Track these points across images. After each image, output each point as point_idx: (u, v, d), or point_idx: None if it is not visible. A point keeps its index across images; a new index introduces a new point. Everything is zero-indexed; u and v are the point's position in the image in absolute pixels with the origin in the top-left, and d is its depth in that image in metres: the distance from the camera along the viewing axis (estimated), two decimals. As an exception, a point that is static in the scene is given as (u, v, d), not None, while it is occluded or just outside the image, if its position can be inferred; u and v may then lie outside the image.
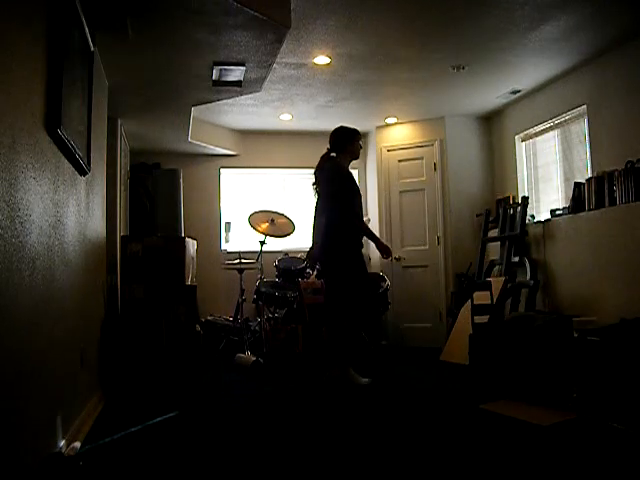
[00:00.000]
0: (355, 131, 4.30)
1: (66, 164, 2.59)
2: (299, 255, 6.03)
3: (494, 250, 5.79)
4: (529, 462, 2.34)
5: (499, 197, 6.08)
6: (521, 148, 5.84)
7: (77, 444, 2.58)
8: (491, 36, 4.15)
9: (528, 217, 5.40)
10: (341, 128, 4.33)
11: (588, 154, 4.80)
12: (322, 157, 4.31)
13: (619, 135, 4.43)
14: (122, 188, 5.14)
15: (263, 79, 4.23)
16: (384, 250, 4.20)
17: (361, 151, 4.37)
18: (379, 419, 3.16)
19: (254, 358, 4.79)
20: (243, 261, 5.47)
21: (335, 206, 4.12)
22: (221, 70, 3.95)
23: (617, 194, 4.28)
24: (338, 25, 3.92)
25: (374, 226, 6.66)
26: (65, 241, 2.56)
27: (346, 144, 4.24)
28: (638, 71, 4.26)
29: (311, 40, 4.15)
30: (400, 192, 6.50)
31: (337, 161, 4.23)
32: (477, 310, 4.82)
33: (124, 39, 3.27)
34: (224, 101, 4.91)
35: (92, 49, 3.04)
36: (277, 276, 5.91)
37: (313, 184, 4.32)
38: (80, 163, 2.78)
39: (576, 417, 2.84)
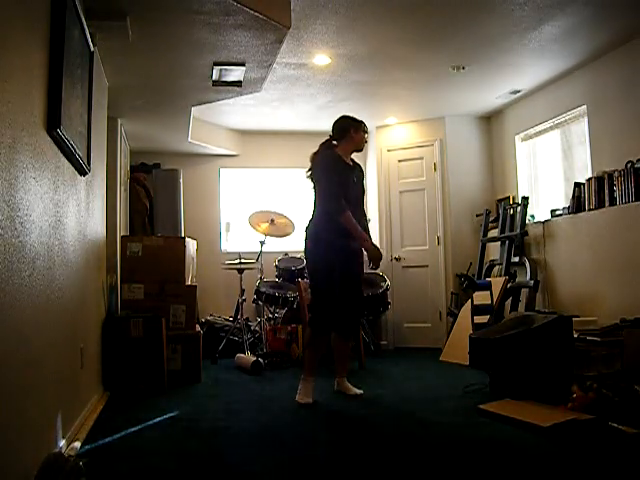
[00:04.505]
0: (361, 121, 3.86)
1: (66, 164, 2.59)
2: (299, 255, 6.02)
3: (494, 250, 5.79)
4: (529, 463, 2.34)
5: (499, 197, 6.08)
6: (521, 148, 5.84)
7: (77, 444, 2.58)
8: (491, 36, 4.16)
9: (528, 217, 5.40)
10: (347, 116, 3.88)
11: (588, 154, 4.80)
12: (321, 144, 3.85)
13: (619, 135, 4.43)
14: (122, 188, 5.14)
15: (263, 79, 4.23)
16: (372, 257, 3.64)
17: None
18: (379, 419, 3.16)
19: (254, 358, 4.79)
20: (243, 261, 5.47)
21: (318, 199, 3.71)
22: (221, 70, 3.95)
23: (617, 194, 4.28)
24: (338, 25, 3.92)
25: (374, 226, 6.67)
26: (65, 241, 2.57)
27: (350, 131, 3.75)
28: (638, 71, 4.27)
29: (311, 40, 4.15)
30: (400, 192, 6.50)
31: (331, 150, 3.77)
32: (477, 310, 4.83)
33: (124, 39, 3.28)
34: (224, 101, 4.91)
35: (92, 49, 3.04)
36: (277, 276, 5.92)
37: (308, 170, 3.77)
38: (80, 163, 2.78)
39: (576, 417, 2.84)
